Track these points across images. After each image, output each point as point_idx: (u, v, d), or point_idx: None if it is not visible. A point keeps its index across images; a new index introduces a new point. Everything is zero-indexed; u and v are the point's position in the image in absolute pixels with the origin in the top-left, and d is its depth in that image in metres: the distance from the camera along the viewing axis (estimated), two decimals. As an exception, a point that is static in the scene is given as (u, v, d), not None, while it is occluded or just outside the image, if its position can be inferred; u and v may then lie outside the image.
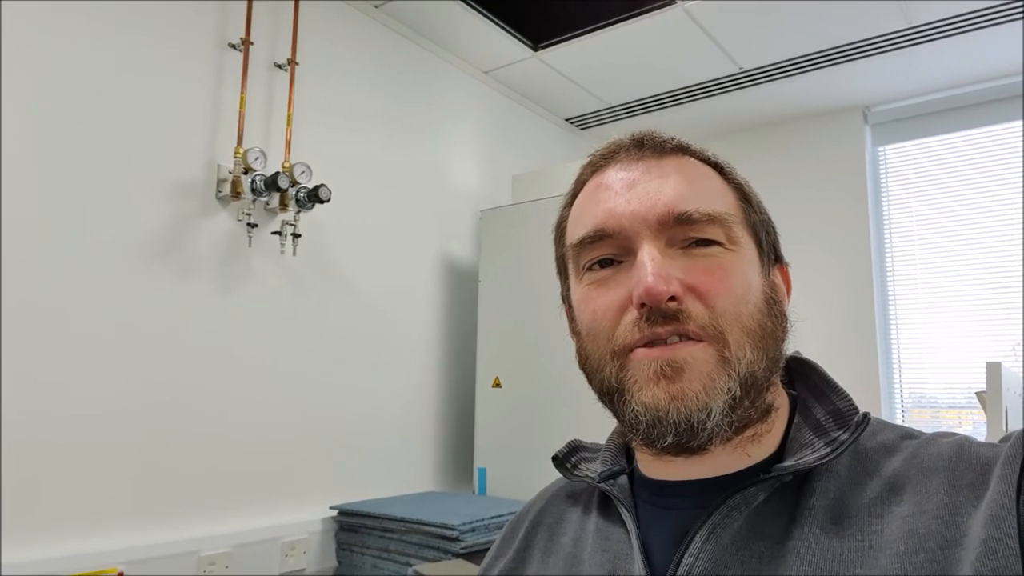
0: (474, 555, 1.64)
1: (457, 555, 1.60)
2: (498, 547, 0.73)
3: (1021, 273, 2.47)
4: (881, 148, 2.88)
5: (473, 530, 1.65)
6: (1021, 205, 2.52)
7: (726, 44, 2.40)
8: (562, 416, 2.00)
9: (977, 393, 1.60)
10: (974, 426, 2.57)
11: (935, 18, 2.21)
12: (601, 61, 2.54)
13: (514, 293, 2.20)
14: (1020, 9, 2.14)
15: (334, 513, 1.85)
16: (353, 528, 1.81)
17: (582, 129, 3.17)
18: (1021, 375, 2.05)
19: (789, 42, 2.39)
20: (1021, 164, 2.55)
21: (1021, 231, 2.50)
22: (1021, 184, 2.53)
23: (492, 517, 1.71)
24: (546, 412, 2.05)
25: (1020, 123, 2.58)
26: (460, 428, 2.34)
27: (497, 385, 2.17)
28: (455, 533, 1.61)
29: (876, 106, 2.84)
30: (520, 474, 2.07)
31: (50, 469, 1.38)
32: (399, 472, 2.13)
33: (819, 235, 2.80)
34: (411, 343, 2.23)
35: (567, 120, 3.08)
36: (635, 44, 2.41)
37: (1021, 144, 2.56)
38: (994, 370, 1.49)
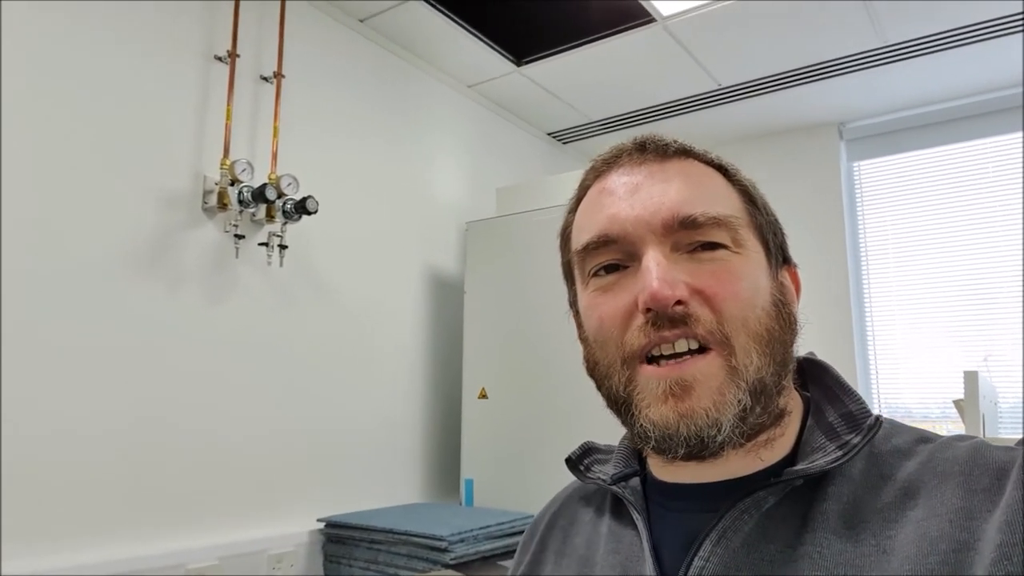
0: (463, 566, 1.63)
1: (447, 566, 1.60)
2: (518, 555, 0.73)
3: (997, 284, 2.54)
4: (856, 163, 2.95)
5: (462, 541, 1.65)
6: (993, 219, 2.59)
7: (705, 61, 2.45)
8: (549, 426, 2.01)
9: (955, 401, 1.64)
10: (948, 436, 2.61)
11: (908, 38, 2.28)
12: (583, 76, 2.58)
13: (500, 304, 2.21)
14: (989, 30, 2.22)
15: (321, 525, 1.84)
16: (341, 540, 1.80)
17: (564, 143, 3.20)
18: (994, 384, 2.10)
19: (767, 59, 2.44)
20: (993, 179, 2.63)
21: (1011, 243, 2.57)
22: (993, 199, 2.61)
23: (480, 528, 1.71)
24: (533, 423, 2.06)
25: (992, 139, 2.66)
26: (447, 439, 2.33)
27: (483, 396, 2.17)
28: (444, 544, 1.61)
29: (851, 122, 2.91)
30: (507, 485, 2.07)
31: (33, 483, 1.35)
32: (386, 484, 2.12)
33: (796, 249, 2.78)
34: (398, 354, 2.23)
35: (549, 134, 3.12)
36: (617, 60, 2.45)
37: (993, 160, 2.64)
38: (971, 379, 1.54)
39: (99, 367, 1.48)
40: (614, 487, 0.63)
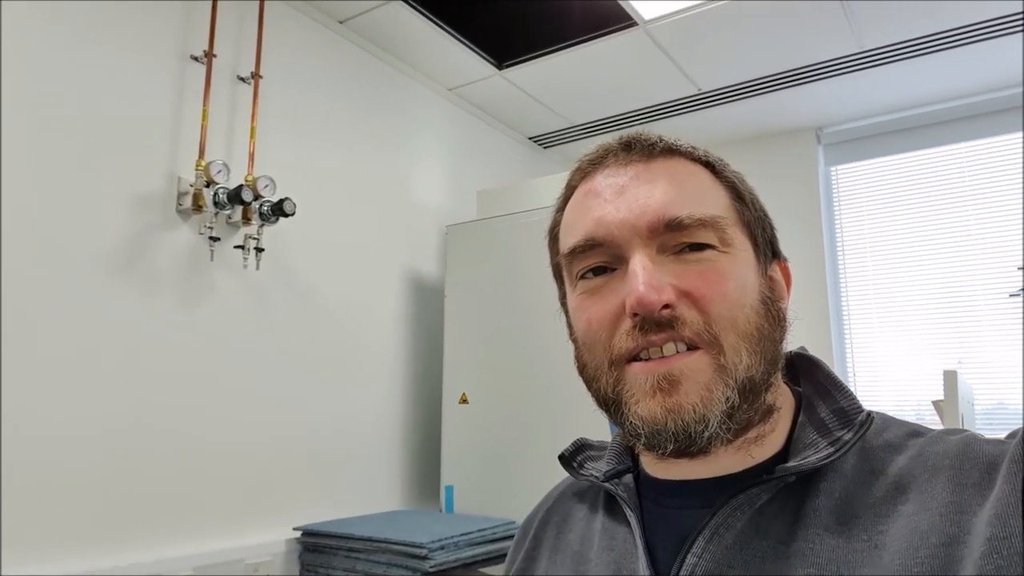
0: (444, 573, 1.61)
1: (427, 574, 1.58)
2: (511, 554, 0.73)
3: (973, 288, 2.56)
4: (833, 168, 2.98)
5: (442, 548, 1.62)
6: (969, 222, 2.62)
7: (686, 65, 2.46)
8: (530, 432, 1.99)
9: (934, 402, 1.65)
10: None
11: (885, 43, 2.30)
12: (564, 80, 2.57)
13: (480, 308, 2.19)
14: (965, 36, 2.25)
15: (298, 534, 1.81)
16: (318, 549, 1.77)
17: (545, 148, 3.20)
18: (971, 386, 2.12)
19: (746, 64, 2.46)
20: (968, 183, 2.66)
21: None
22: (968, 202, 2.64)
23: (461, 534, 1.68)
24: (513, 428, 2.04)
25: (968, 144, 2.69)
26: (427, 445, 2.31)
27: (464, 401, 2.15)
28: (424, 551, 1.58)
29: (828, 127, 2.94)
30: (488, 491, 2.05)
31: (4, 491, 1.31)
32: (365, 491, 2.09)
33: (776, 252, 2.85)
34: (377, 359, 2.20)
35: (530, 138, 3.11)
36: (598, 64, 2.45)
37: (968, 164, 2.68)
38: (951, 378, 1.54)
39: (70, 373, 1.44)
40: (607, 484, 0.63)
